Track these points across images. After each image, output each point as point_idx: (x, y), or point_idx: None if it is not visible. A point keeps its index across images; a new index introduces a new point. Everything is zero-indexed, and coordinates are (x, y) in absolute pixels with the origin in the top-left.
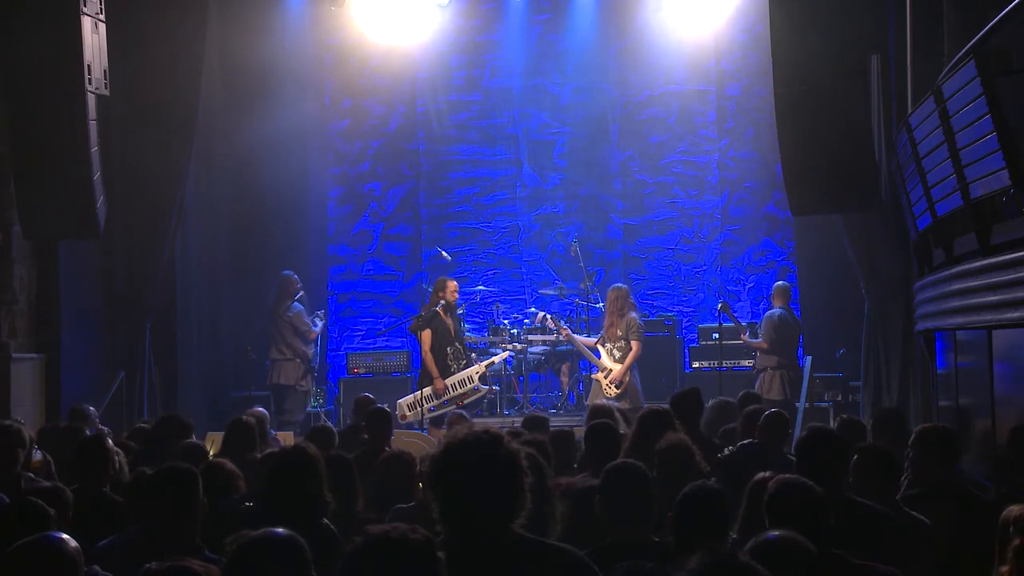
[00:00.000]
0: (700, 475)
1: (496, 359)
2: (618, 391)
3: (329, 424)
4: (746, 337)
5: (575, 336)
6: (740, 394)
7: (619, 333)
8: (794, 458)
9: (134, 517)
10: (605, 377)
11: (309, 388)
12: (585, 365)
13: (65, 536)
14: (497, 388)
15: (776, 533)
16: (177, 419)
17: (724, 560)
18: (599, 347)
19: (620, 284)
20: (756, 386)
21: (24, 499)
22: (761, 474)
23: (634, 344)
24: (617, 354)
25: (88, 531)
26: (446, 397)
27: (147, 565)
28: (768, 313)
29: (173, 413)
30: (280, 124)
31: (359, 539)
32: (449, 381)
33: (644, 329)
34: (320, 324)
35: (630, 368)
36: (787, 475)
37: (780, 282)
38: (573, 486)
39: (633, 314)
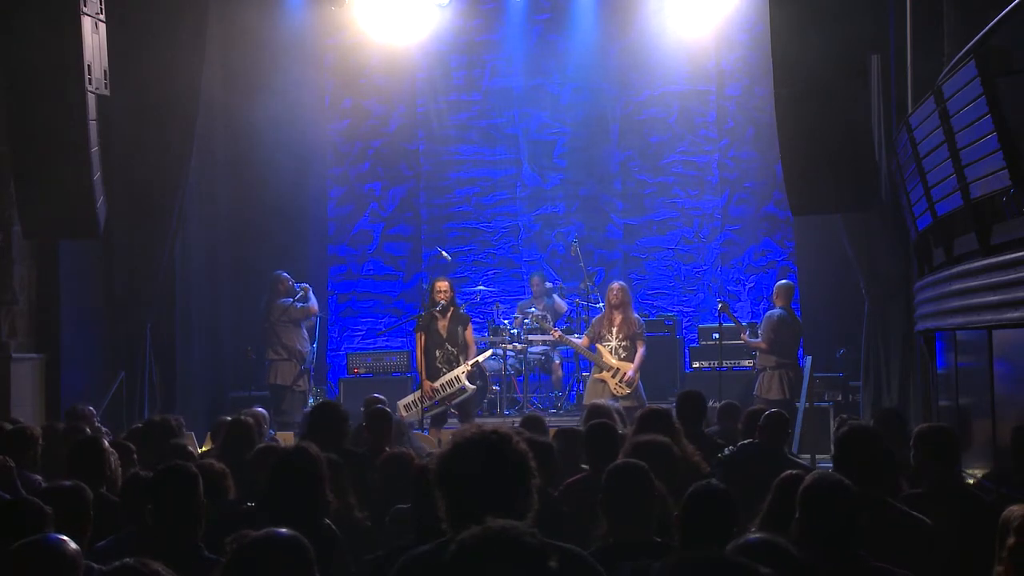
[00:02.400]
0: (699, 474)
1: (480, 358)
2: (629, 390)
3: None
4: (746, 337)
5: (568, 337)
6: (722, 403)
7: (624, 331)
8: (795, 457)
9: (131, 518)
10: (613, 376)
11: (306, 388)
12: (585, 365)
13: (65, 537)
14: (497, 388)
15: (758, 536)
16: (162, 422)
17: (706, 558)
18: (598, 346)
19: (621, 281)
20: (756, 386)
21: (23, 498)
22: (789, 472)
23: (642, 345)
24: (623, 353)
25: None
26: (436, 398)
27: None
28: (768, 313)
29: (161, 417)
30: (280, 124)
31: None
32: (438, 383)
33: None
34: (313, 298)
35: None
36: (824, 471)
37: (783, 281)
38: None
39: (636, 314)
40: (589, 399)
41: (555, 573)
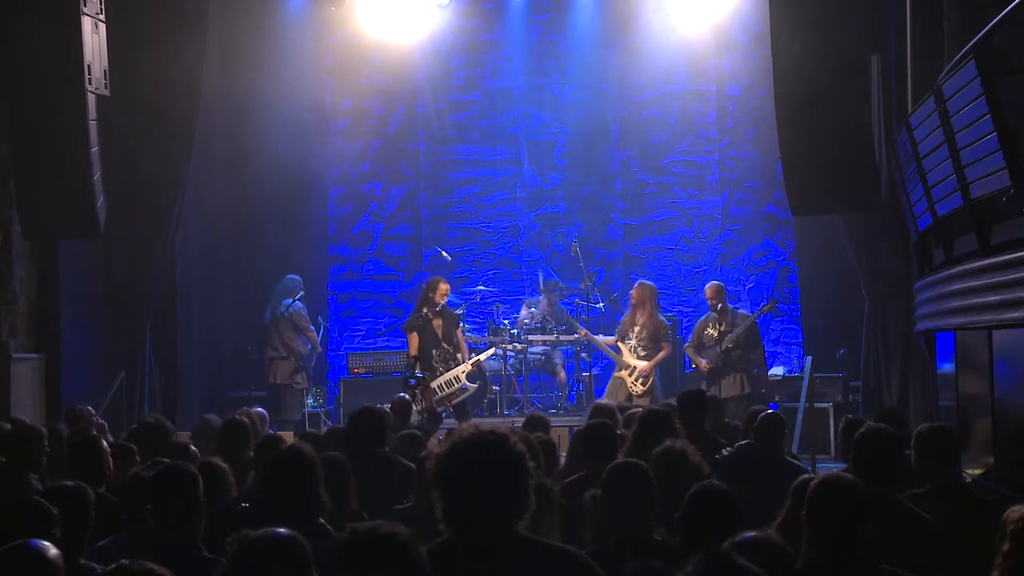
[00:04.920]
0: (696, 477)
1: (482, 356)
2: (643, 388)
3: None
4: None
5: (594, 336)
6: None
7: (647, 332)
8: (792, 458)
9: (131, 518)
10: (630, 375)
11: (305, 386)
12: (584, 366)
13: (47, 543)
14: (497, 388)
15: (752, 534)
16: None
17: (721, 560)
18: (619, 344)
19: (644, 280)
20: (746, 384)
21: (28, 498)
22: (807, 475)
23: (666, 346)
24: (642, 352)
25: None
26: (434, 398)
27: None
28: (753, 322)
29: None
30: (280, 124)
31: (346, 533)
32: (436, 382)
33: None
34: (317, 329)
35: (655, 367)
36: (835, 471)
37: (716, 281)
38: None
39: (661, 315)
40: (608, 396)
41: (426, 564)
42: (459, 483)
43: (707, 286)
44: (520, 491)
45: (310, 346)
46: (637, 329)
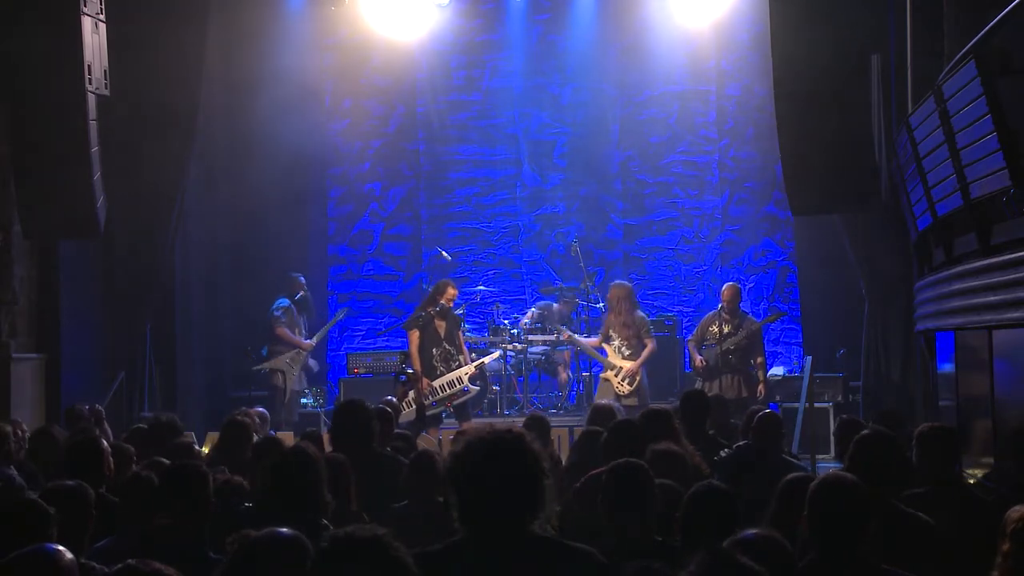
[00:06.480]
0: (695, 478)
1: (486, 359)
2: (630, 388)
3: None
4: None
5: (576, 337)
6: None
7: (629, 331)
8: (792, 458)
9: (130, 518)
10: (616, 375)
11: (261, 368)
12: (585, 365)
13: (61, 548)
14: (497, 388)
15: (753, 532)
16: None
17: (723, 559)
18: (604, 345)
19: (623, 281)
20: (743, 388)
21: (27, 498)
22: (794, 474)
23: (649, 342)
24: (626, 351)
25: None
26: (434, 399)
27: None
28: (756, 325)
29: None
30: (280, 124)
31: (323, 542)
32: (438, 383)
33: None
34: (316, 337)
35: (642, 366)
36: (836, 472)
37: (736, 284)
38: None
39: (641, 312)
40: (598, 398)
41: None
42: (474, 482)
43: (725, 286)
44: (535, 490)
45: (291, 345)
46: (617, 329)
